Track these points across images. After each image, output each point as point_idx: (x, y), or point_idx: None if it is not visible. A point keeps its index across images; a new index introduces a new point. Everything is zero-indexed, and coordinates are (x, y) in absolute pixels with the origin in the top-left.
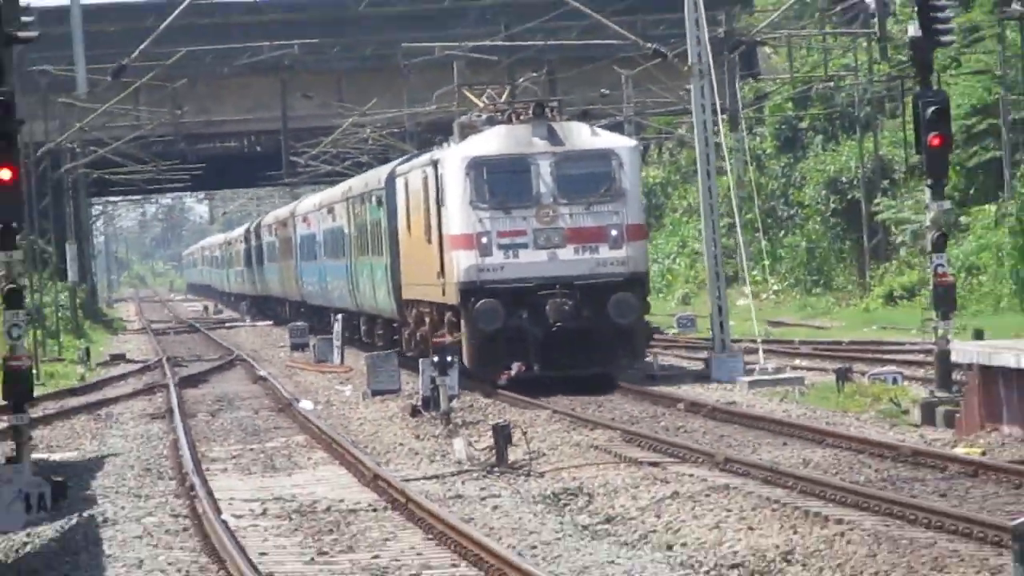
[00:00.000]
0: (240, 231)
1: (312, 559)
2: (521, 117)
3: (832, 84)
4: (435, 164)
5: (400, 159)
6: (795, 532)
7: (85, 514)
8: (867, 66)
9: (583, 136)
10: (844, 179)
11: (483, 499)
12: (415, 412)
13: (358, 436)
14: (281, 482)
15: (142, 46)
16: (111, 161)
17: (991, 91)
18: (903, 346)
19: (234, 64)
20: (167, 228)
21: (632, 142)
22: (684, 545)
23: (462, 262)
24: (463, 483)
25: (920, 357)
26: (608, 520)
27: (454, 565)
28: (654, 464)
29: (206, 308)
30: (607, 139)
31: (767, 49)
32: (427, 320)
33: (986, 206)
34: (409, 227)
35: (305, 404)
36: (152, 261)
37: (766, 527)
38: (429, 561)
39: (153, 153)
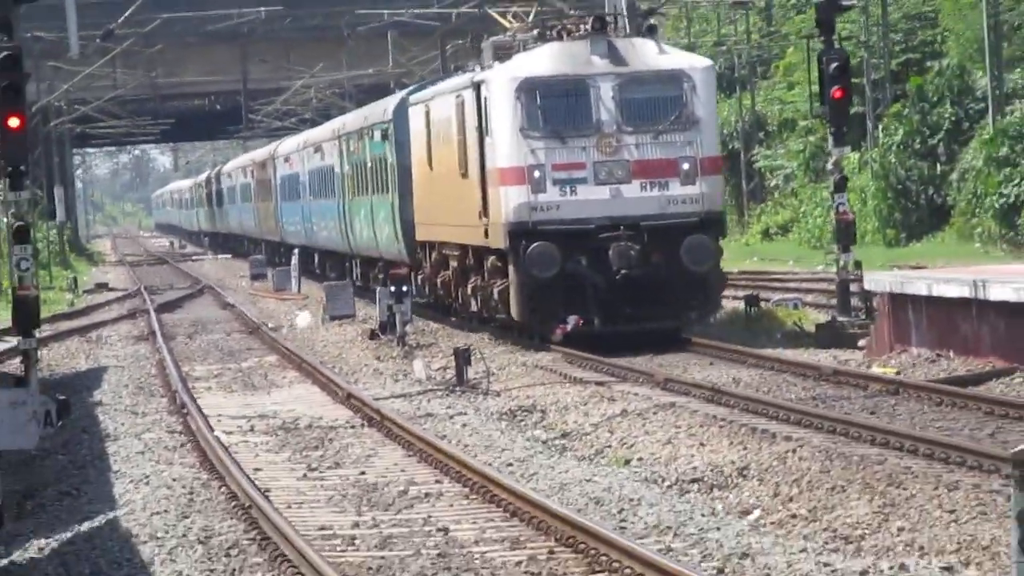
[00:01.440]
0: (204, 176)
1: (304, 475)
2: (574, 33)
3: (725, 48)
4: (477, 87)
5: (410, 88)
6: (745, 448)
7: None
8: (746, 34)
9: (650, 54)
10: (725, 132)
11: (451, 416)
12: (373, 335)
13: (324, 357)
14: (262, 400)
15: (127, 13)
16: (92, 117)
17: (854, 54)
18: (786, 275)
19: (200, 32)
20: (135, 175)
21: (707, 61)
22: (640, 460)
23: (511, 200)
24: (428, 401)
25: (806, 285)
26: (564, 435)
27: (438, 481)
28: (600, 383)
29: (172, 244)
30: (678, 58)
31: (652, 20)
32: (452, 265)
33: (851, 154)
34: (431, 161)
35: (301, 319)
36: (122, 203)
37: (716, 443)
38: (413, 477)
39: (128, 110)
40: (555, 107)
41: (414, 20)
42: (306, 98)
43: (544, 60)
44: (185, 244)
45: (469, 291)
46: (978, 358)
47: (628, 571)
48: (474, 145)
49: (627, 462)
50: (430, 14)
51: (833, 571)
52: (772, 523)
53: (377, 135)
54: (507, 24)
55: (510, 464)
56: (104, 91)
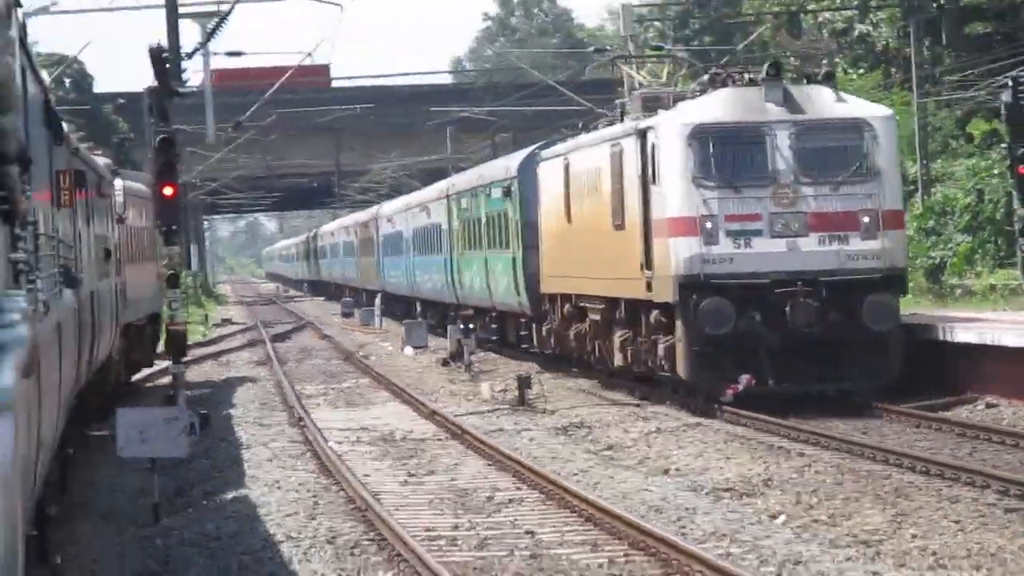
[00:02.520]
0: (303, 237)
1: (405, 481)
2: (738, 81)
3: None
4: (641, 134)
5: (536, 145)
6: (766, 462)
7: (226, 439)
8: None
9: (827, 102)
10: None
11: (519, 432)
12: (445, 363)
13: (407, 380)
14: (362, 415)
15: (251, 110)
16: (219, 191)
17: None
18: None
19: (304, 125)
20: (248, 236)
21: (887, 111)
22: (678, 470)
23: (681, 251)
24: (497, 418)
25: None
26: (609, 448)
27: (518, 488)
28: (636, 405)
29: (278, 288)
30: (857, 107)
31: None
32: (592, 319)
33: None
34: (569, 214)
35: (408, 350)
36: (238, 257)
37: (740, 457)
38: (496, 484)
39: (246, 186)
40: (729, 155)
41: (471, 117)
42: (383, 178)
43: (716, 107)
44: (288, 289)
45: (616, 345)
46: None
47: (699, 574)
48: (634, 195)
49: (666, 471)
50: (482, 112)
51: None
52: (797, 527)
53: (497, 192)
54: (639, 78)
55: (575, 474)
56: (229, 171)
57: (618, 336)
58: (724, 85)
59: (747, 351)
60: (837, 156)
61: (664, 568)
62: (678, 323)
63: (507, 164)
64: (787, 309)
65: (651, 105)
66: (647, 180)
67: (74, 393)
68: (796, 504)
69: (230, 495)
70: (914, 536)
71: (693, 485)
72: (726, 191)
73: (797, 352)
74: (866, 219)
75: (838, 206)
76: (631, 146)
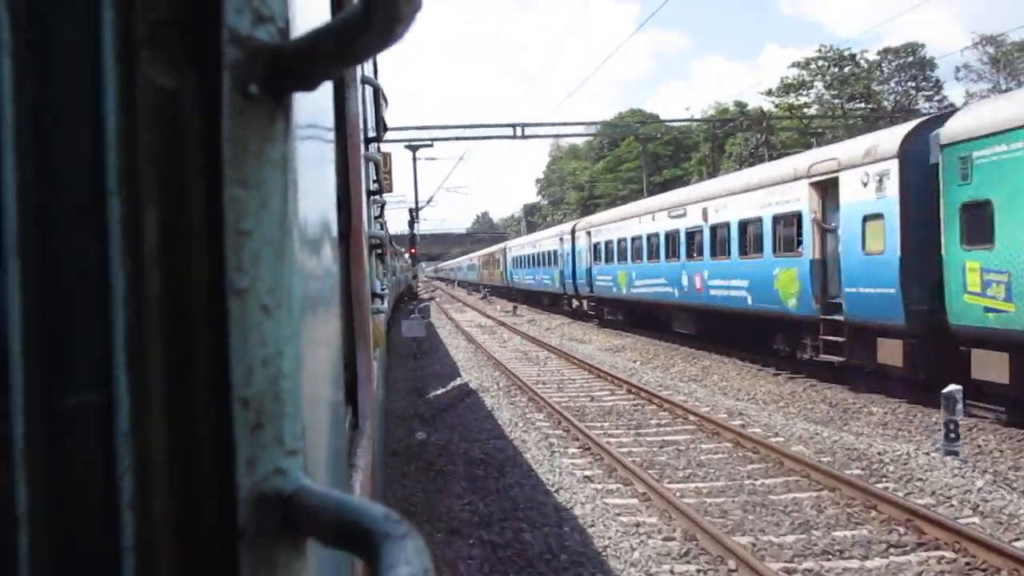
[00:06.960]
0: (435, 264)
1: (500, 346)
2: None
3: None
4: None
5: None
6: (621, 339)
7: (432, 327)
8: None
9: None
10: None
11: (519, 324)
12: (482, 298)
13: (476, 305)
14: (467, 316)
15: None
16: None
17: None
18: None
19: (443, 240)
20: (419, 266)
21: None
22: (583, 340)
23: None
24: (512, 317)
25: None
26: (547, 329)
27: (539, 349)
28: (551, 314)
29: (431, 280)
30: None
31: None
32: None
33: None
34: None
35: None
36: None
37: (609, 337)
38: (528, 345)
39: (421, 256)
40: None
41: (479, 238)
42: (458, 252)
43: None
44: (434, 280)
45: None
46: None
47: (652, 398)
48: None
49: (579, 340)
50: (478, 237)
51: (743, 412)
52: (642, 364)
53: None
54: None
55: (560, 345)
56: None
57: None
58: None
59: None
60: None
61: (652, 403)
62: None
63: (869, 144)
64: None
65: None
66: None
67: (393, 301)
68: (642, 357)
69: (441, 352)
70: (718, 379)
71: (600, 348)
72: None
73: None
74: None
75: None
76: None
